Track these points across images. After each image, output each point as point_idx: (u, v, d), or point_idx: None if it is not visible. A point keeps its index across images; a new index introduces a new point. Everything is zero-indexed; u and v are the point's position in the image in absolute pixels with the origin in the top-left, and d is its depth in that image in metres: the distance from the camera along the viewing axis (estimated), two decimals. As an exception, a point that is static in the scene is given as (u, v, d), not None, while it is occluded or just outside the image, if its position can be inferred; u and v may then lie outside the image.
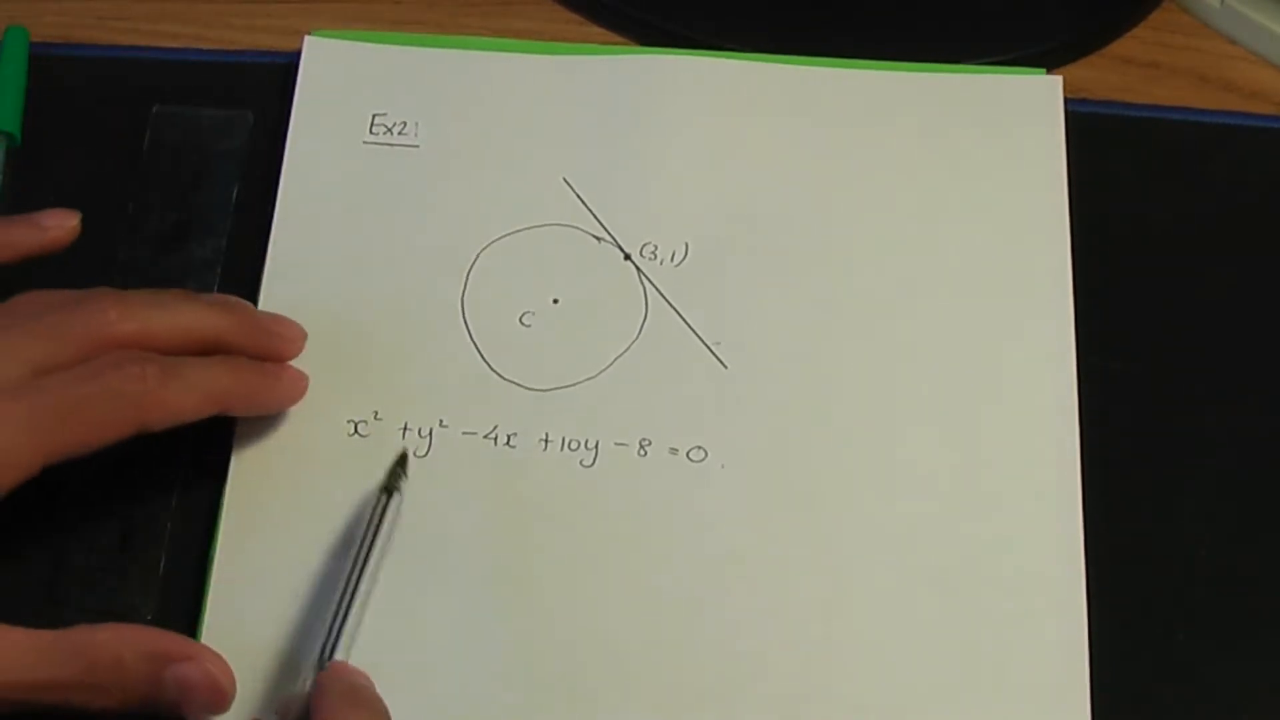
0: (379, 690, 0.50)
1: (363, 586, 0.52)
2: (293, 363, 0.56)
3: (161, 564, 0.55)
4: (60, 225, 0.57)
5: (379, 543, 0.52)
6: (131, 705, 0.49)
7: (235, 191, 0.61)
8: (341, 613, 0.51)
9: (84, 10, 0.66)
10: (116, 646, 0.49)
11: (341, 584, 0.52)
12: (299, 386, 0.56)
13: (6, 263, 0.56)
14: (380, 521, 0.53)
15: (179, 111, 0.62)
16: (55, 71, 0.63)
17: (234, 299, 0.56)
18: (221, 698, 0.50)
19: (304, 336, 0.56)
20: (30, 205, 0.58)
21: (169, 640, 0.50)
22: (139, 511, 0.56)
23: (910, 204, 0.59)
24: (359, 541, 0.52)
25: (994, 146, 0.60)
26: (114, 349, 0.52)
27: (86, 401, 0.50)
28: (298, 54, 0.62)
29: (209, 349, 0.54)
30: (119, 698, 0.49)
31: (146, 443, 0.52)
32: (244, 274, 0.59)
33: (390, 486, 0.53)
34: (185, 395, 0.52)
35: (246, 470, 0.55)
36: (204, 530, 0.55)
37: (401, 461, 0.55)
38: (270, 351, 0.56)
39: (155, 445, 0.52)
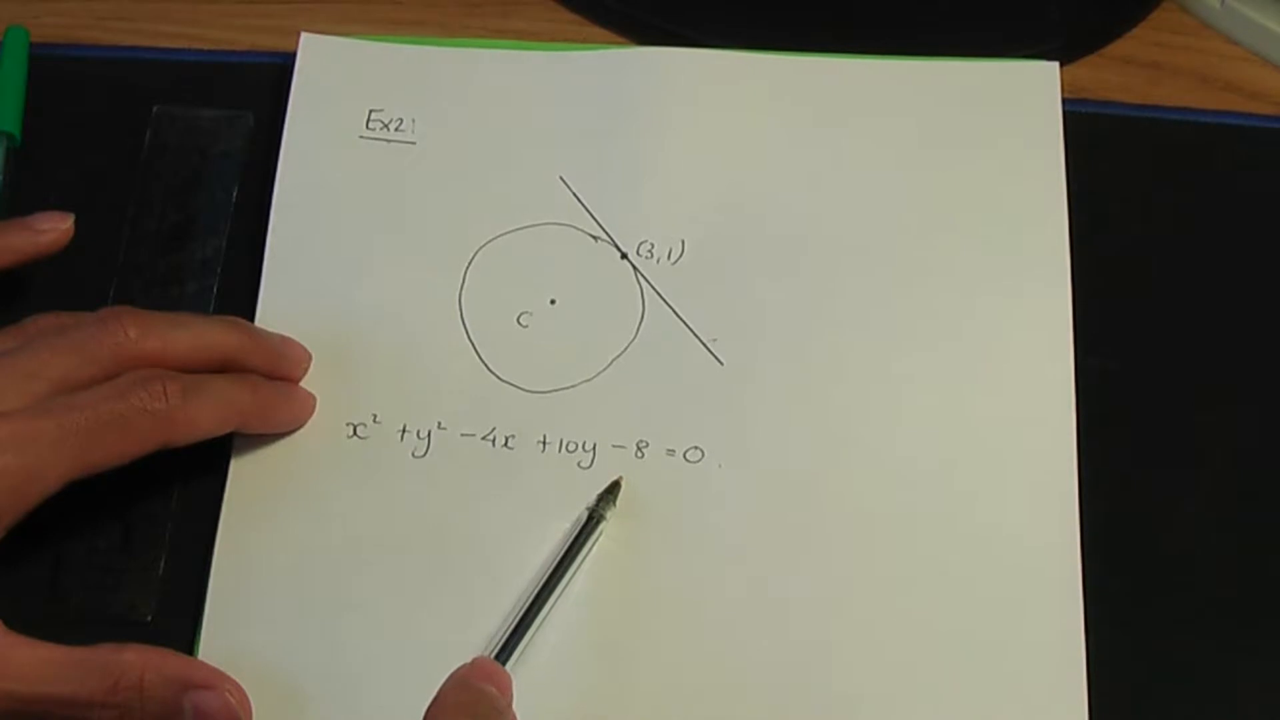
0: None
1: (548, 601, 0.52)
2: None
3: (161, 564, 0.55)
4: (55, 228, 0.57)
5: (574, 563, 0.53)
6: None
7: (235, 192, 0.61)
8: (516, 619, 0.52)
9: (84, 10, 0.66)
10: (140, 668, 0.49)
11: (531, 592, 0.52)
12: (309, 405, 0.56)
13: (4, 268, 0.56)
14: (581, 543, 0.53)
15: (179, 111, 0.63)
16: (55, 71, 0.63)
17: (240, 320, 0.56)
18: None
19: (309, 358, 0.57)
20: (30, 205, 0.58)
21: (192, 667, 0.51)
22: (139, 511, 0.56)
23: (908, 196, 0.59)
24: (557, 558, 0.53)
25: (992, 134, 0.60)
26: (135, 366, 0.52)
27: (114, 419, 0.51)
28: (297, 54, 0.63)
29: (223, 367, 0.54)
30: (138, 719, 0.49)
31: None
32: (244, 274, 0.59)
33: (596, 512, 0.54)
34: (208, 412, 0.53)
35: (246, 471, 0.55)
36: (204, 530, 0.55)
37: (611, 489, 0.55)
38: (280, 370, 0.56)
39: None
